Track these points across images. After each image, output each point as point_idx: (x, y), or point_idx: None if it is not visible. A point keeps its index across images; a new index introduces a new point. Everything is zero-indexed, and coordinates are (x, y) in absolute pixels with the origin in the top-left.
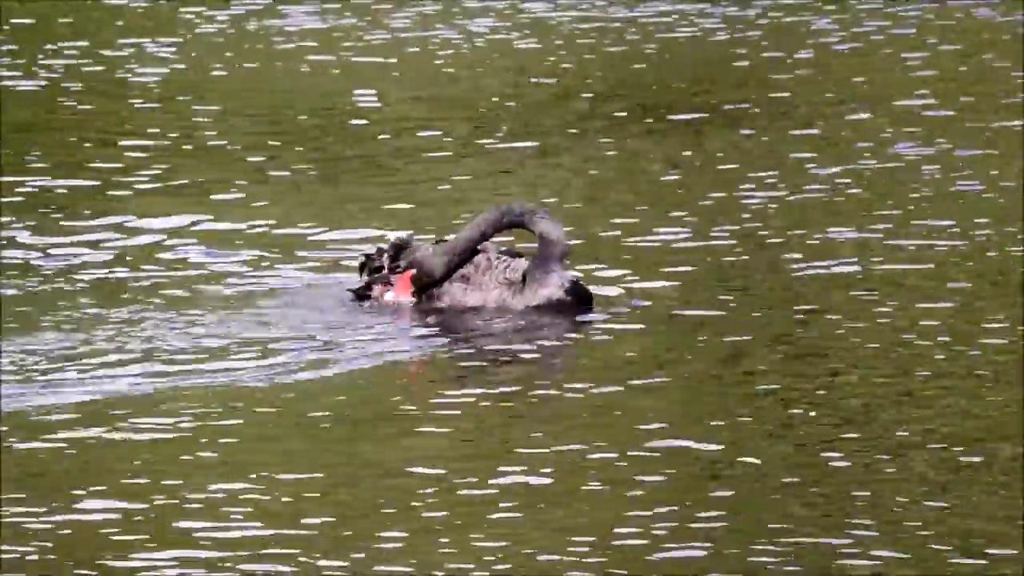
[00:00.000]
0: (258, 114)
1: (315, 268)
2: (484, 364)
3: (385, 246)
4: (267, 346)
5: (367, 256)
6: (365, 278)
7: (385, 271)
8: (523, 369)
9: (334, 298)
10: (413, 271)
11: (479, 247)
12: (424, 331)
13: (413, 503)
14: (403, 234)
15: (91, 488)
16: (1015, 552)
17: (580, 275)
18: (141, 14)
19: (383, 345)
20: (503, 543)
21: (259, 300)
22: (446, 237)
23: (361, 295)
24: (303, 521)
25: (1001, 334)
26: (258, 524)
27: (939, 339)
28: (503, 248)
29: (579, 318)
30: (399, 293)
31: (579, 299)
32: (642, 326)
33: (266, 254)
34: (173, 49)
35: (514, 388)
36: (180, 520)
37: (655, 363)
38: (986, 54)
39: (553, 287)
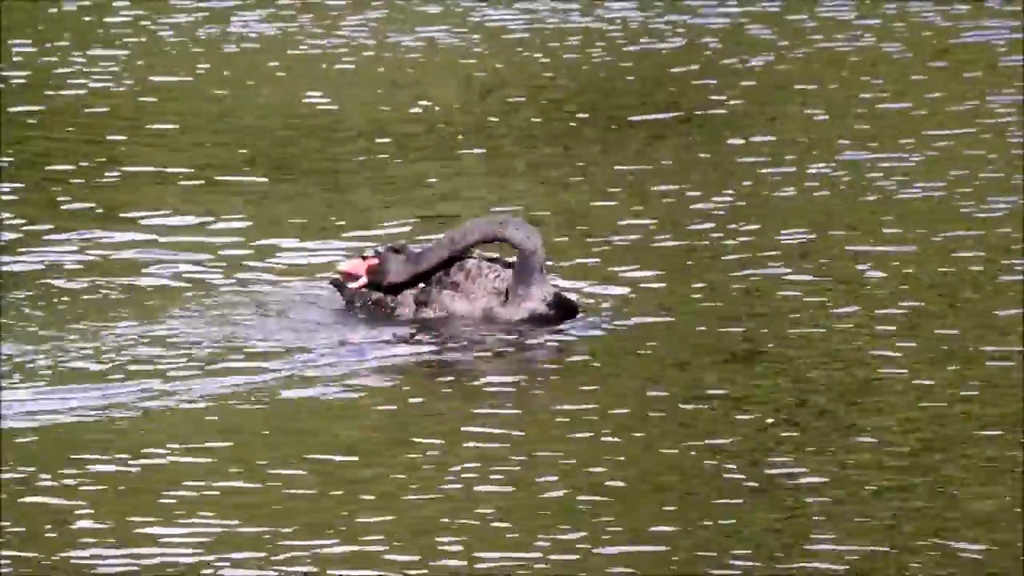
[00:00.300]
0: (215, 121)
1: (292, 275)
2: (458, 373)
3: (381, 249)
4: (245, 355)
5: (363, 258)
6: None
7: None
8: (499, 380)
9: (311, 305)
10: (376, 261)
11: (467, 254)
12: (406, 339)
13: (378, 507)
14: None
15: (62, 485)
16: (979, 549)
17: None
18: (85, 19)
19: (363, 353)
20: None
21: (239, 309)
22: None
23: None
24: (265, 521)
25: (954, 338)
26: (226, 523)
27: (892, 343)
28: (493, 256)
29: (560, 330)
30: (353, 268)
31: (562, 312)
32: (609, 335)
33: (238, 261)
34: (126, 53)
35: (488, 399)
36: (143, 516)
37: (625, 373)
38: (940, 61)
39: (536, 301)
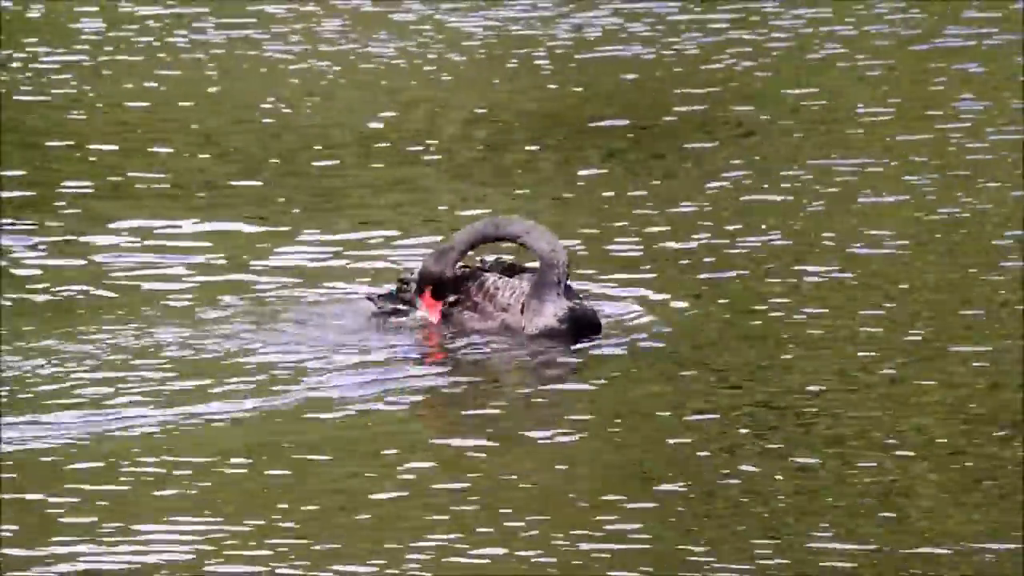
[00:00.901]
0: (190, 129)
1: (286, 283)
2: (466, 392)
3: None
4: (254, 371)
5: (402, 281)
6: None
7: (411, 296)
8: (502, 398)
9: (322, 321)
10: (427, 287)
11: (485, 269)
12: (420, 358)
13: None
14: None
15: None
16: (958, 546)
17: (582, 299)
18: (41, 23)
19: (378, 370)
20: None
21: (243, 321)
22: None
23: (387, 311)
24: (259, 524)
25: (921, 341)
26: (221, 523)
27: (868, 344)
28: (507, 263)
29: (576, 347)
30: (431, 312)
31: (578, 328)
32: (603, 352)
33: (232, 272)
34: (85, 58)
35: (491, 415)
36: (137, 520)
37: (616, 388)
38: (906, 65)
39: (548, 317)
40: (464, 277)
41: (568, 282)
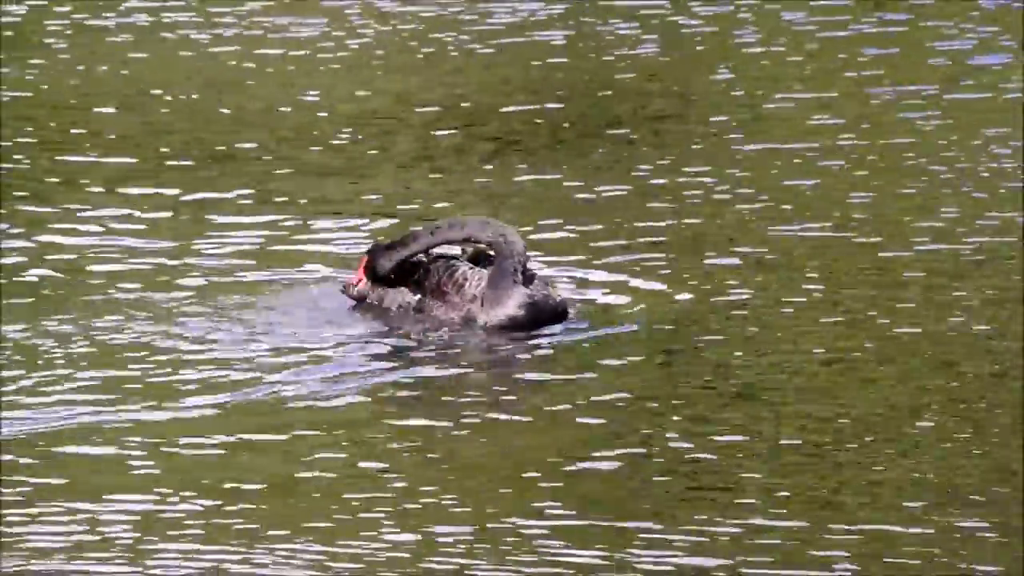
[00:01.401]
0: (118, 115)
1: (250, 277)
2: (425, 383)
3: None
4: (230, 364)
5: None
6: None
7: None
8: (467, 392)
9: (286, 307)
10: (367, 259)
11: (457, 257)
12: (379, 347)
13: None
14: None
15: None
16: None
17: (542, 288)
18: None
19: (338, 361)
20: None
21: (213, 310)
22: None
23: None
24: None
25: (862, 322)
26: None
27: (818, 329)
28: (472, 249)
29: (538, 335)
30: (357, 281)
31: (539, 317)
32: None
33: (194, 263)
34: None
35: (454, 411)
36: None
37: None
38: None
39: (509, 307)
40: (436, 265)
41: (533, 271)
